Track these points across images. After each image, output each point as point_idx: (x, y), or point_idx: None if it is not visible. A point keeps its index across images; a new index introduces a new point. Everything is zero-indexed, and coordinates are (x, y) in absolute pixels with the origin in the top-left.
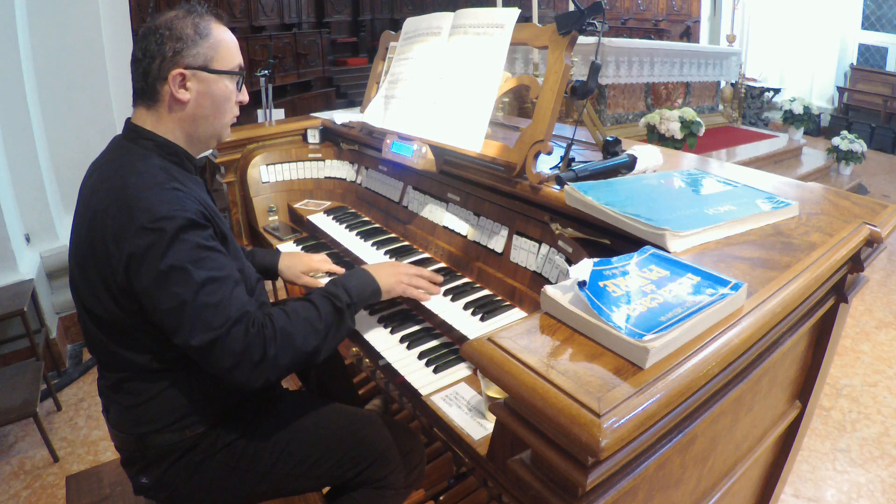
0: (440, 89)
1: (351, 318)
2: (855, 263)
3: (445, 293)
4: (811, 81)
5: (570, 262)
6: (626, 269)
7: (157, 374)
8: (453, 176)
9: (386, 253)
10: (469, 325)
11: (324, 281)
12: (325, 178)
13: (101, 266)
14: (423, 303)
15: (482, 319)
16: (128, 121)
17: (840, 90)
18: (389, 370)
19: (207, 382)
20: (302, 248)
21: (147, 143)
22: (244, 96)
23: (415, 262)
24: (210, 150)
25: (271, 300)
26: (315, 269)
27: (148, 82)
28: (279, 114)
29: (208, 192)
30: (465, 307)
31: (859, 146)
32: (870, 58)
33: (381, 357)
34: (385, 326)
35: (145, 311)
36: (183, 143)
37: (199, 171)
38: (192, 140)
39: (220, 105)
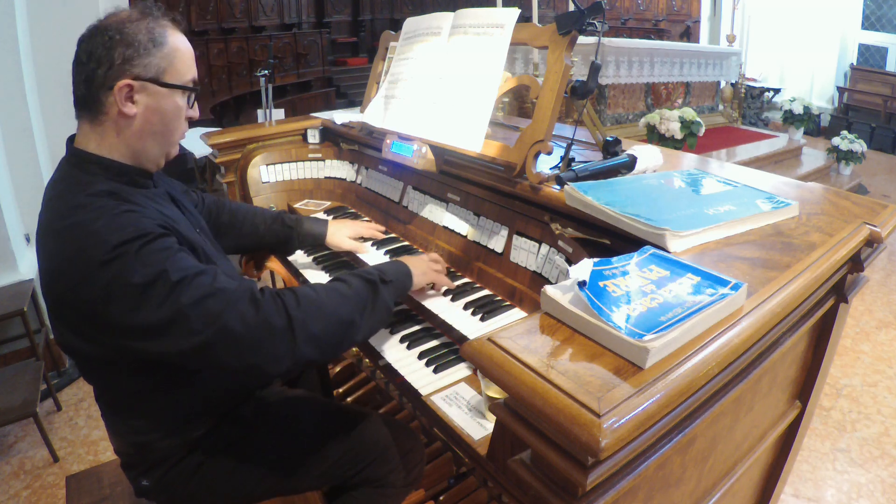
0: (440, 89)
1: (390, 296)
2: (855, 263)
3: (445, 293)
4: (811, 81)
5: (570, 262)
6: (626, 269)
7: (150, 394)
8: (453, 176)
9: (386, 253)
10: (469, 325)
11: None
12: (325, 178)
13: (77, 312)
14: (423, 303)
15: (482, 319)
16: (69, 142)
17: (840, 90)
18: (389, 370)
19: (202, 394)
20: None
21: (92, 168)
22: (194, 112)
23: None
24: (212, 151)
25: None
26: (361, 235)
27: (90, 90)
28: (279, 114)
29: (175, 202)
30: (465, 307)
31: (859, 146)
32: (870, 58)
33: (381, 357)
34: (385, 326)
35: (133, 340)
36: (130, 160)
37: (200, 172)
38: (138, 158)
39: (169, 122)
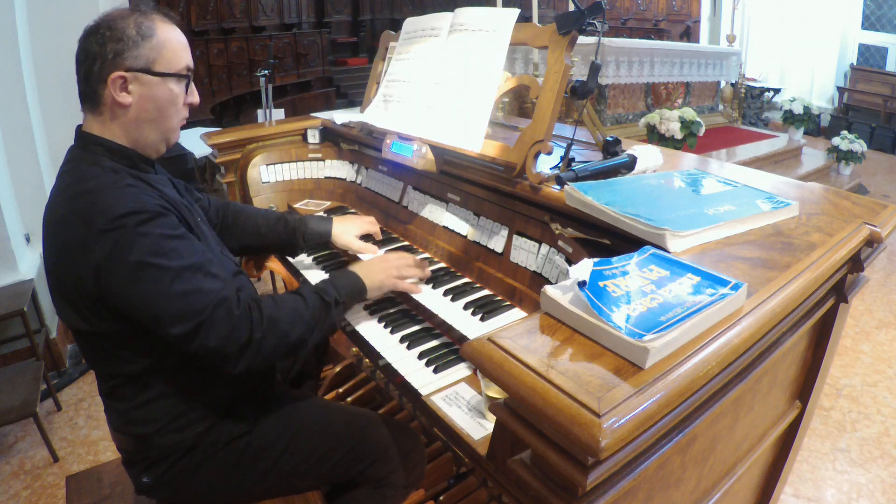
0: (440, 89)
1: (338, 315)
2: (855, 263)
3: (445, 293)
4: (811, 81)
5: (570, 262)
6: (626, 269)
7: (150, 379)
8: (453, 176)
9: (386, 253)
10: (469, 325)
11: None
12: (325, 178)
13: (74, 281)
14: (415, 297)
15: (482, 319)
16: (78, 128)
17: (840, 90)
18: (389, 370)
19: (201, 382)
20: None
21: (97, 149)
22: (193, 98)
23: None
24: (212, 151)
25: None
26: (367, 231)
27: (89, 85)
28: (279, 114)
29: (175, 187)
30: (465, 307)
31: (859, 146)
32: (870, 58)
33: (381, 357)
34: (385, 326)
35: (123, 314)
36: (130, 146)
37: (200, 172)
38: (138, 144)
39: (164, 109)
